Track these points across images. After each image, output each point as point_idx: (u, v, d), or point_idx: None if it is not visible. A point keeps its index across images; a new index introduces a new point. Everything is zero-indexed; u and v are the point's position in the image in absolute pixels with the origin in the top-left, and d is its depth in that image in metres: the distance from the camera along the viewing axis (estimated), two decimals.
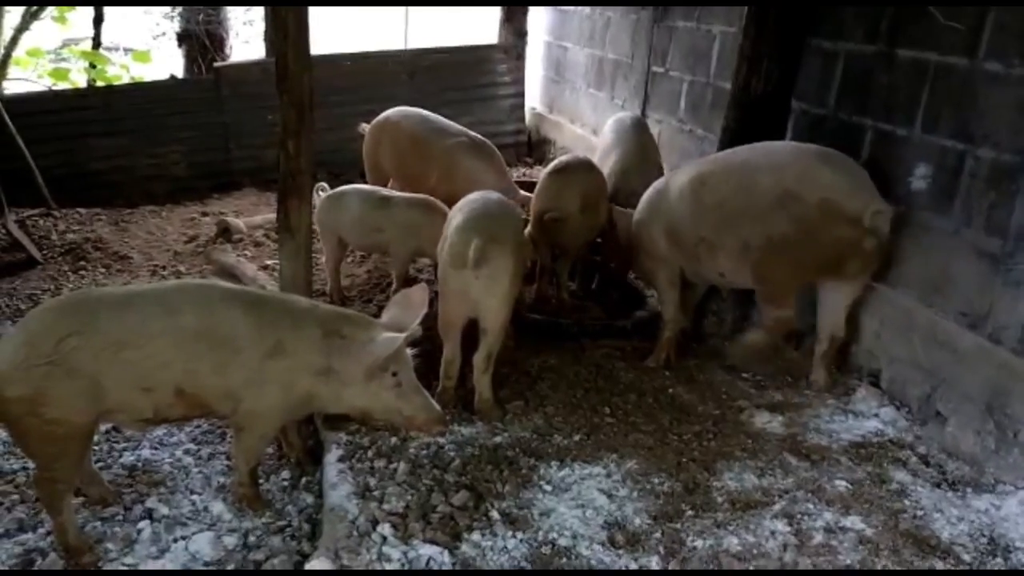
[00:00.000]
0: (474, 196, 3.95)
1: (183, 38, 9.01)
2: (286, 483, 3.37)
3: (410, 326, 2.97)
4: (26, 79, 9.08)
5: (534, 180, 7.03)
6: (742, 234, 3.81)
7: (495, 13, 8.86)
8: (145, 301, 2.84)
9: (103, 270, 5.58)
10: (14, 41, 8.68)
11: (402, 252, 4.74)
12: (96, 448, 3.50)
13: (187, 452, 3.52)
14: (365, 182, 6.20)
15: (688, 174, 4.13)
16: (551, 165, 4.58)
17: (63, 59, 10.47)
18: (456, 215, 3.80)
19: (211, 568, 2.87)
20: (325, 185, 5.15)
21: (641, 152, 5.24)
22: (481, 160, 5.43)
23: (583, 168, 4.55)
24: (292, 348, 2.92)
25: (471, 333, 3.67)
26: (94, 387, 2.71)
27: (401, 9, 10.03)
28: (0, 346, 2.77)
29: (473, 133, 5.67)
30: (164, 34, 9.75)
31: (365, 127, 5.91)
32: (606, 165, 5.14)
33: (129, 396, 2.80)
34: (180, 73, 8.85)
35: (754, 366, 4.06)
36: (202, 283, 3.23)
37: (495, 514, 2.98)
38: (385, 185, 5.82)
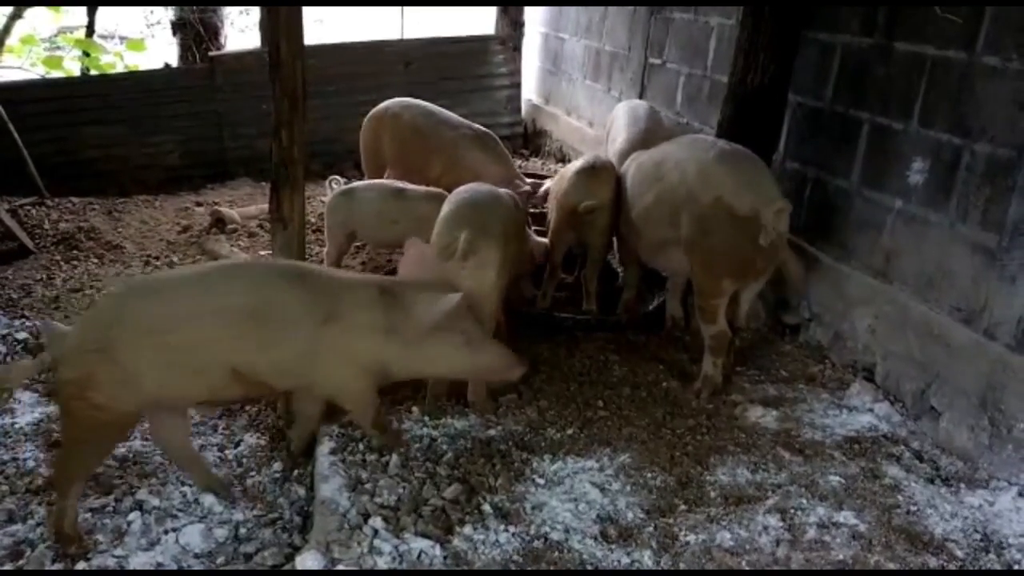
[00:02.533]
0: (464, 187, 3.94)
1: (178, 27, 8.95)
2: (277, 475, 3.34)
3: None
4: (19, 67, 9.02)
5: (531, 172, 7.07)
6: (660, 230, 3.96)
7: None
8: (184, 284, 2.90)
9: (96, 260, 5.54)
10: (7, 29, 8.62)
11: None
12: None
13: None
14: (361, 172, 6.19)
15: (636, 158, 4.33)
16: (578, 164, 4.54)
17: (57, 47, 10.40)
18: (445, 207, 3.78)
19: (201, 560, 2.86)
20: (339, 178, 5.12)
21: (646, 137, 5.19)
22: (485, 152, 5.42)
23: (611, 166, 4.53)
24: (346, 310, 2.96)
25: None
26: (135, 376, 2.74)
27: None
28: (69, 330, 2.87)
29: (476, 124, 5.65)
30: (159, 22, 9.69)
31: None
32: (613, 147, 5.14)
33: (178, 380, 2.82)
34: (175, 62, 8.80)
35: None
36: (242, 262, 3.24)
37: (487, 508, 2.97)
38: (381, 175, 5.81)
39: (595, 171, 4.44)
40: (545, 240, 4.70)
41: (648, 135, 5.07)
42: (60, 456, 2.93)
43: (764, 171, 3.81)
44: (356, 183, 5.12)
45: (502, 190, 4.13)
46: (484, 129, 5.62)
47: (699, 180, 3.73)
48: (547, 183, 5.12)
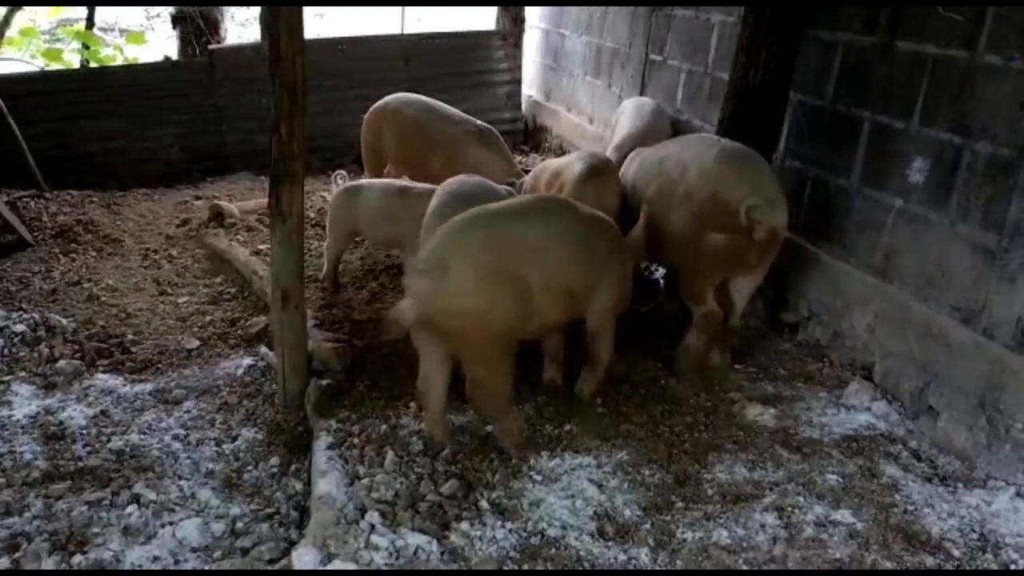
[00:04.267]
0: (452, 180, 3.95)
1: (178, 20, 8.91)
2: (275, 470, 3.34)
3: None
4: (19, 59, 9.01)
5: (530, 168, 7.03)
6: (656, 222, 3.97)
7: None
8: (534, 212, 3.37)
9: (94, 253, 5.54)
10: (6, 21, 8.60)
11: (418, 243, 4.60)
12: (83, 432, 3.48)
13: (175, 438, 3.49)
14: (361, 168, 6.18)
15: (639, 153, 4.40)
16: (577, 169, 4.26)
17: (57, 39, 10.37)
18: (434, 199, 3.77)
19: (198, 553, 2.86)
20: (344, 173, 5.10)
21: (648, 133, 5.17)
22: (486, 148, 5.42)
23: (612, 165, 4.42)
24: (623, 248, 3.61)
25: None
26: (523, 290, 3.08)
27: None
28: (443, 268, 3.00)
29: (477, 120, 5.64)
30: (159, 16, 9.66)
31: None
32: (615, 139, 5.12)
33: (538, 298, 3.15)
34: (174, 55, 8.77)
35: (694, 379, 3.93)
36: (560, 198, 3.77)
37: (484, 504, 2.97)
38: (382, 171, 5.80)
39: (599, 173, 4.21)
40: None
41: (650, 131, 5.07)
42: (472, 392, 3.25)
43: (764, 169, 3.83)
44: (362, 180, 5.10)
45: (499, 186, 4.11)
46: (485, 125, 5.62)
47: (698, 177, 3.77)
48: (525, 180, 4.85)
